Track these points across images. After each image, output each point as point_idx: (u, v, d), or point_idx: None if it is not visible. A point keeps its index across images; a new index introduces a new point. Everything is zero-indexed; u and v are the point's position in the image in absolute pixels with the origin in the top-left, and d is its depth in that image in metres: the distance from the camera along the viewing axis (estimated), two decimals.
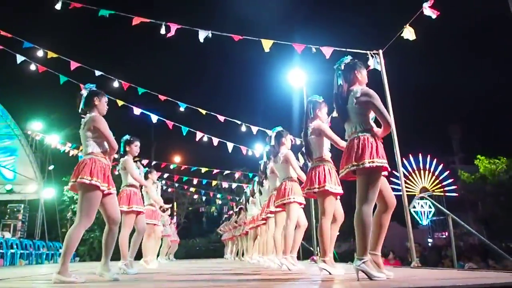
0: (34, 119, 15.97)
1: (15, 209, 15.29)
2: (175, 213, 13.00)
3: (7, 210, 15.34)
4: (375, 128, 3.15)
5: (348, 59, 3.40)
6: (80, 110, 3.82)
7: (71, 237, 3.39)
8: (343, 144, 4.00)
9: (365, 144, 3.01)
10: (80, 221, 3.45)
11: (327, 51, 5.97)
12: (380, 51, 6.17)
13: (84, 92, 3.87)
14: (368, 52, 6.04)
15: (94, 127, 3.68)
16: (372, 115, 3.17)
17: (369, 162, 2.93)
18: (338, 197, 4.16)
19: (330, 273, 3.68)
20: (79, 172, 3.53)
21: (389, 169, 3.06)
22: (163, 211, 9.28)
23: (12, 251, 11.34)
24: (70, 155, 15.04)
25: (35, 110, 18.38)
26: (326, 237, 3.91)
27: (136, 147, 5.37)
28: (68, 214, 20.03)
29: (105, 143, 3.75)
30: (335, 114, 3.77)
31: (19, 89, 22.72)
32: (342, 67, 3.34)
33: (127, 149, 5.31)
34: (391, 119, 3.15)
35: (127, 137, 5.29)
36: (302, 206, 5.07)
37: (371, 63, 5.99)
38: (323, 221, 3.94)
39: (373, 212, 3.04)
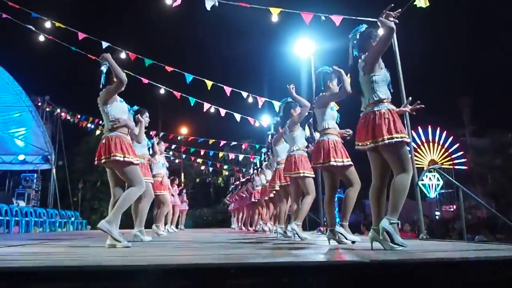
0: (44, 90, 16.06)
1: (28, 179, 15.60)
2: (182, 184, 13.11)
3: (21, 179, 15.66)
4: (390, 97, 3.08)
5: (363, 27, 3.29)
6: (100, 86, 3.92)
7: (128, 196, 3.74)
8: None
9: (382, 120, 2.96)
10: (136, 186, 3.78)
11: (337, 19, 5.81)
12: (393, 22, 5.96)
13: (104, 68, 3.94)
14: (378, 20, 5.85)
15: (106, 100, 3.84)
16: (383, 82, 3.08)
17: (388, 139, 2.90)
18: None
19: (346, 238, 3.72)
20: (110, 150, 3.73)
21: (408, 142, 3.02)
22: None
23: (27, 219, 11.62)
24: (80, 125, 15.18)
25: (45, 82, 18.44)
26: (350, 204, 3.96)
27: (146, 117, 5.39)
28: (79, 184, 20.35)
29: (124, 116, 3.92)
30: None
31: (29, 61, 22.71)
32: (358, 36, 3.24)
33: (137, 120, 5.32)
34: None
35: (136, 107, 5.28)
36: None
37: (381, 31, 5.81)
38: (350, 190, 3.97)
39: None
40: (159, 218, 7.14)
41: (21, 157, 16.09)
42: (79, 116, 15.11)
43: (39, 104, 15.31)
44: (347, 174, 3.98)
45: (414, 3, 5.64)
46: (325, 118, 4.09)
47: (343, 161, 3.95)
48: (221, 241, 4.88)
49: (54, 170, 16.40)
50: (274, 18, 6.31)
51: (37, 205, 15.05)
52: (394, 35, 5.96)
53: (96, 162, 3.90)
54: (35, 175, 15.92)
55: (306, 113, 4.98)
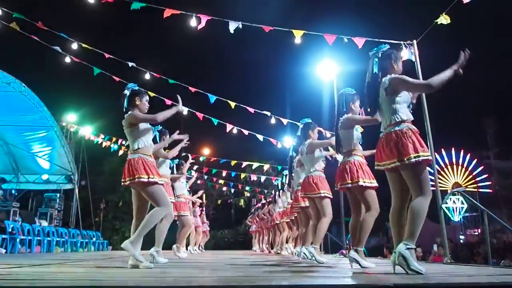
0: (69, 110, 16.44)
1: (51, 198, 15.82)
2: (204, 204, 13.10)
3: (44, 199, 15.89)
4: (411, 118, 3.07)
5: (386, 47, 3.31)
6: (124, 110, 4.05)
7: (152, 216, 3.80)
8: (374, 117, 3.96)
9: (406, 139, 2.94)
10: (161, 206, 3.84)
11: (359, 41, 5.85)
12: (415, 41, 6.01)
13: (127, 92, 4.09)
14: (402, 42, 5.90)
15: (131, 123, 3.94)
16: (405, 103, 3.08)
17: (415, 157, 2.87)
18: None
19: (360, 264, 3.65)
20: (134, 172, 3.82)
21: (431, 160, 2.99)
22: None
23: (49, 238, 11.74)
24: (103, 146, 15.43)
25: (69, 102, 18.93)
26: (367, 229, 3.88)
27: (168, 138, 5.53)
28: (101, 204, 20.58)
29: (148, 138, 4.03)
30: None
31: (54, 81, 23.38)
32: (380, 55, 3.26)
33: (163, 138, 5.46)
34: (427, 81, 3.03)
35: (159, 127, 5.40)
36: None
37: (405, 53, 5.85)
38: (367, 215, 3.92)
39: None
40: (181, 239, 7.15)
41: (44, 177, 16.35)
42: (102, 137, 15.38)
43: (64, 124, 15.66)
44: (368, 196, 3.93)
45: (436, 20, 5.65)
46: (350, 140, 4.08)
47: (371, 182, 3.93)
48: (241, 263, 4.84)
49: (76, 190, 16.61)
50: (297, 40, 6.40)
51: (59, 224, 15.19)
52: (417, 56, 6.02)
53: (122, 184, 3.98)
54: (58, 194, 16.10)
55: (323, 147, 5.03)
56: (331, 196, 4.96)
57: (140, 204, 4.04)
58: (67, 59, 8.32)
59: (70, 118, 16.20)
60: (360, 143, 4.19)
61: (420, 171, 2.92)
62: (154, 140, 4.49)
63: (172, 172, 6.39)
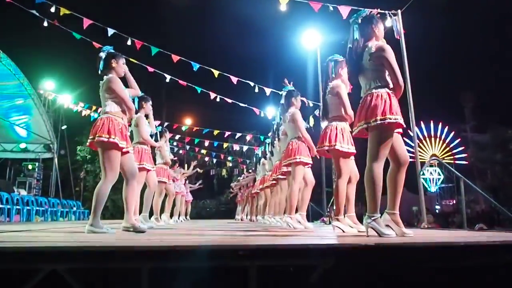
0: (47, 78, 15.98)
1: (30, 167, 15.62)
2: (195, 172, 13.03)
3: (22, 168, 15.69)
4: (391, 85, 3.08)
5: (366, 12, 3.29)
6: (99, 72, 3.92)
7: (99, 192, 3.63)
8: (350, 113, 4.01)
9: (378, 101, 2.94)
10: (106, 176, 3.66)
11: (345, 10, 5.83)
12: (399, 11, 6.01)
13: (102, 55, 3.94)
14: (387, 12, 5.88)
15: (110, 88, 3.81)
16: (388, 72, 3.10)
17: (381, 119, 2.88)
18: (352, 156, 4.16)
19: (343, 231, 3.75)
20: (97, 130, 3.68)
21: (404, 126, 3.00)
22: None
23: (28, 207, 11.64)
24: (83, 115, 15.13)
25: (48, 69, 18.37)
26: (341, 196, 3.93)
27: (150, 105, 5.45)
28: (81, 173, 20.42)
29: (122, 103, 3.88)
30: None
31: (32, 47, 22.62)
32: (359, 21, 3.26)
33: (143, 106, 5.36)
34: (401, 79, 3.04)
35: (142, 94, 5.30)
36: (309, 166, 5.10)
37: (390, 23, 5.85)
38: (339, 181, 3.95)
39: (386, 170, 3.04)
40: (157, 207, 7.12)
41: (22, 146, 16.04)
42: (82, 105, 15.06)
43: (42, 92, 15.26)
44: (341, 162, 3.97)
45: None
46: (336, 106, 4.11)
47: (348, 148, 3.98)
48: (226, 229, 4.93)
49: (56, 159, 16.40)
50: (283, 7, 6.33)
51: (38, 194, 15.09)
52: (401, 26, 6.02)
53: (87, 144, 3.88)
54: (37, 163, 15.92)
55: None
56: (309, 162, 5.01)
57: (123, 164, 3.88)
58: (45, 24, 8.00)
59: (48, 85, 15.76)
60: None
61: (384, 136, 2.92)
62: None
63: (156, 140, 6.32)
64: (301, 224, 4.83)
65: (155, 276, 1.88)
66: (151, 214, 6.23)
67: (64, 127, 16.91)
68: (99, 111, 14.74)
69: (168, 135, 7.13)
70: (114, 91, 3.80)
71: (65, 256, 1.89)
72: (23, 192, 13.81)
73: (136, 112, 5.34)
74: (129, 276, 1.91)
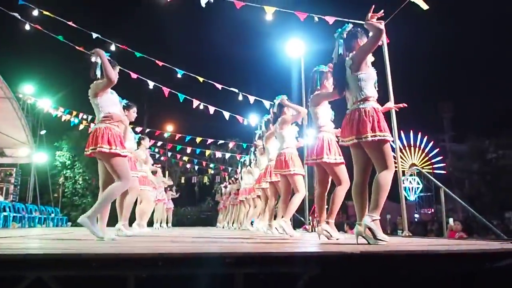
0: (26, 81, 15.70)
1: (7, 173, 15.25)
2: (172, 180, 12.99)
3: None
4: (376, 95, 3.17)
5: (349, 27, 3.37)
6: (96, 77, 3.90)
7: (112, 191, 3.73)
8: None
9: (367, 118, 3.03)
10: (121, 181, 3.75)
11: (330, 20, 5.90)
12: (383, 23, 6.07)
13: (99, 61, 3.92)
14: (365, 23, 5.93)
15: (95, 93, 3.83)
16: (371, 80, 3.17)
17: (371, 136, 2.98)
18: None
19: (331, 235, 3.79)
20: (97, 141, 3.72)
21: (391, 140, 3.10)
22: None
23: (5, 214, 11.39)
24: (63, 120, 14.89)
25: (27, 73, 18.04)
26: (338, 203, 4.02)
27: (134, 112, 5.42)
28: (60, 179, 20.03)
29: (114, 108, 3.94)
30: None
31: (11, 50, 22.19)
32: (344, 36, 3.32)
33: (126, 113, 5.30)
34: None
35: (125, 101, 5.26)
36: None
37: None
38: (339, 188, 4.04)
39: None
40: (139, 214, 7.05)
41: None
42: (62, 110, 14.83)
43: (21, 96, 14.97)
44: (337, 172, 4.06)
45: (413, 0, 5.67)
46: (319, 116, 4.16)
47: (335, 158, 4.03)
48: (210, 236, 4.91)
49: (34, 165, 16.08)
50: (269, 16, 6.39)
51: (15, 200, 14.73)
52: (384, 35, 6.12)
53: (85, 153, 3.90)
54: (14, 169, 15.57)
55: (300, 118, 5.06)
56: (303, 173, 5.05)
57: (105, 177, 3.96)
58: (27, 27, 7.87)
59: (28, 89, 15.48)
60: (332, 119, 4.27)
61: (381, 147, 3.03)
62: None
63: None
64: (283, 230, 4.83)
65: (142, 284, 1.86)
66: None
67: (43, 132, 16.61)
68: (80, 116, 14.64)
69: (147, 142, 7.03)
70: (97, 90, 3.84)
71: (51, 264, 1.86)
72: (0, 198, 13.47)
73: None
74: (115, 284, 1.90)
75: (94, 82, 3.90)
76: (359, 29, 3.40)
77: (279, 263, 2.00)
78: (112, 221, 4.92)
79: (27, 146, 15.77)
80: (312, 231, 8.00)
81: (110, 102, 3.96)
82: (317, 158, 4.04)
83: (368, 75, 3.18)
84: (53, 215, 15.17)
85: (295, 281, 1.92)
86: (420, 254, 2.11)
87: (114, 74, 3.88)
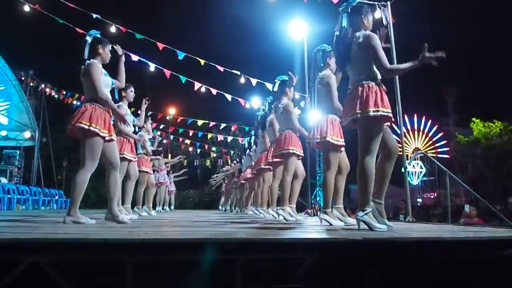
0: (29, 64, 15.65)
1: (11, 155, 15.30)
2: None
3: (3, 156, 15.36)
4: (380, 76, 3.06)
5: (355, 1, 3.25)
6: (85, 57, 3.80)
7: (78, 181, 3.54)
8: (337, 105, 3.97)
9: (370, 92, 2.92)
10: (85, 165, 3.57)
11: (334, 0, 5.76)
12: (388, 3, 5.97)
13: (88, 39, 3.83)
14: (376, 3, 5.84)
15: (88, 72, 3.69)
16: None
17: (373, 111, 2.85)
18: (343, 148, 4.15)
19: (331, 224, 3.74)
20: (78, 117, 3.57)
21: (393, 120, 3.00)
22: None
23: (9, 196, 11.45)
24: (65, 102, 14.85)
25: (29, 56, 17.93)
26: (330, 189, 3.91)
27: (131, 92, 5.34)
28: (63, 161, 20.07)
29: (105, 90, 3.77)
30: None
31: (13, 33, 22.00)
32: (349, 10, 3.21)
33: (123, 94, 5.23)
34: (389, 66, 3.01)
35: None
36: (300, 158, 5.07)
37: (379, 14, 5.81)
38: (327, 174, 3.94)
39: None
40: (138, 198, 7.01)
41: (3, 133, 15.75)
42: (64, 93, 14.76)
43: (23, 78, 14.93)
44: (331, 155, 3.95)
45: None
46: (325, 97, 4.06)
47: (338, 140, 3.96)
48: (211, 220, 4.88)
49: (37, 147, 16.11)
50: None
51: (20, 182, 14.81)
52: (390, 17, 5.99)
53: (67, 131, 3.75)
54: (18, 151, 15.62)
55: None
56: (301, 155, 4.98)
57: (105, 154, 3.80)
58: (26, 8, 7.75)
59: (30, 72, 15.41)
60: None
61: (376, 129, 2.91)
62: (112, 94, 4.23)
63: (135, 131, 6.19)
64: (291, 216, 4.80)
65: (140, 269, 1.83)
66: (133, 205, 6.15)
67: (46, 114, 16.59)
68: (82, 99, 14.53)
69: (149, 125, 6.95)
70: (90, 77, 3.68)
71: (47, 248, 1.82)
72: (4, 180, 13.54)
73: (117, 102, 5.22)
74: (113, 269, 1.86)
75: (91, 61, 3.76)
76: (365, 5, 3.29)
77: (280, 249, 1.97)
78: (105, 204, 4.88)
79: (30, 128, 15.79)
80: (314, 215, 7.98)
81: (103, 84, 3.82)
82: (321, 138, 3.96)
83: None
84: (57, 197, 15.26)
85: (296, 267, 1.89)
86: (425, 241, 2.06)
87: (102, 93, 3.76)
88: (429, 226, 4.03)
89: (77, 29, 7.81)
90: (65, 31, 8.15)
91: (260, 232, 2.65)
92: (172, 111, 20.48)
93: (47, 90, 15.24)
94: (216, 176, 14.80)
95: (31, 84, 15.32)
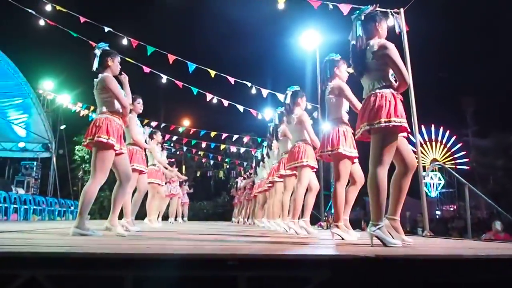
0: (46, 77, 15.90)
1: (28, 166, 15.51)
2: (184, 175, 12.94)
3: (21, 167, 15.58)
4: (395, 85, 2.93)
5: (368, 9, 3.14)
6: (94, 70, 3.84)
7: (87, 193, 3.55)
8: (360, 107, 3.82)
9: (382, 102, 2.79)
10: (94, 177, 3.59)
11: (345, 8, 5.67)
12: (402, 10, 5.86)
13: (97, 52, 3.87)
14: (388, 10, 5.71)
15: (105, 87, 3.74)
16: (392, 71, 2.96)
17: (385, 121, 2.72)
18: (356, 160, 4.00)
19: (342, 238, 3.58)
20: (96, 131, 3.62)
21: (409, 130, 2.86)
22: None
23: (26, 206, 11.56)
24: (81, 115, 15.04)
25: (47, 69, 18.25)
26: (340, 202, 3.77)
27: (139, 104, 5.32)
28: (79, 173, 20.28)
29: (117, 103, 3.81)
30: (350, 70, 3.54)
31: (30, 46, 22.50)
32: (362, 17, 3.10)
33: (131, 107, 5.19)
34: (408, 76, 2.89)
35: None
36: (315, 170, 4.94)
37: (392, 22, 5.68)
38: (337, 186, 3.79)
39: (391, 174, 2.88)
40: (150, 210, 6.98)
41: (21, 145, 16.02)
42: (80, 105, 14.97)
43: (40, 91, 15.20)
44: (341, 166, 3.81)
45: None
46: (338, 107, 3.94)
47: (350, 152, 3.82)
48: (218, 233, 4.77)
49: (54, 159, 16.32)
50: (281, 5, 6.18)
51: (36, 193, 14.99)
52: (404, 25, 5.86)
53: (82, 144, 3.85)
54: (35, 163, 15.84)
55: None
56: (315, 167, 4.84)
57: (117, 166, 3.84)
58: (41, 22, 7.86)
59: (47, 85, 15.69)
60: (347, 111, 4.05)
61: (388, 140, 2.77)
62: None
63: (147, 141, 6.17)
64: (305, 230, 4.66)
65: (139, 285, 1.74)
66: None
67: (63, 126, 16.86)
68: (97, 111, 14.65)
69: (159, 136, 6.88)
70: (110, 90, 3.74)
71: (45, 262, 1.76)
72: (21, 191, 13.70)
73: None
74: (112, 284, 1.77)
75: (105, 75, 3.80)
76: (378, 12, 3.18)
77: (286, 266, 1.85)
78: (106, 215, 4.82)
79: (47, 140, 16.02)
80: (327, 228, 7.80)
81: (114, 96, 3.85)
82: (333, 150, 3.82)
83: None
84: (72, 208, 15.38)
85: (303, 285, 1.76)
86: (444, 259, 1.91)
87: (126, 102, 3.88)
88: (447, 241, 3.84)
89: (90, 42, 7.89)
90: (80, 45, 8.26)
91: (265, 248, 2.53)
92: (186, 122, 20.58)
93: (64, 102, 15.46)
94: (236, 192, 14.71)
95: (48, 97, 15.57)
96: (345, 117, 3.99)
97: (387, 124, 2.72)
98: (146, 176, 5.62)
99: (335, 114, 3.95)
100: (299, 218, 4.79)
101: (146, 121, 12.77)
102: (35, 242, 2.73)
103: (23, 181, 14.81)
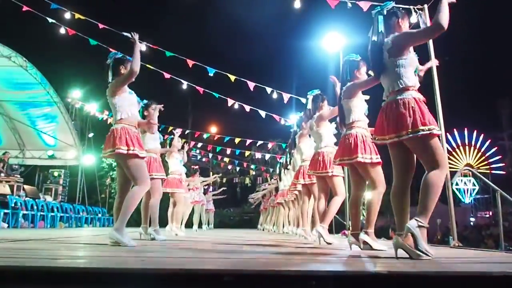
0: (74, 87, 16.28)
1: (56, 174, 15.85)
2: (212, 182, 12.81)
3: (49, 175, 15.94)
4: (417, 84, 2.71)
5: (391, 4, 2.93)
6: (110, 81, 3.79)
7: (134, 196, 3.61)
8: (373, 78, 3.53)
9: (406, 110, 2.58)
10: (139, 185, 3.64)
11: (365, 6, 5.44)
12: (426, 6, 5.58)
13: (109, 62, 3.83)
14: (412, 7, 5.45)
15: (113, 92, 3.69)
16: (411, 67, 2.72)
17: (412, 132, 2.54)
18: (340, 173, 3.78)
19: (371, 246, 3.34)
20: (114, 143, 3.59)
21: (440, 134, 2.63)
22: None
23: (53, 214, 11.74)
24: (108, 122, 15.28)
25: (74, 78, 18.68)
26: (375, 209, 3.53)
27: (153, 110, 5.17)
28: (107, 180, 20.59)
29: (132, 109, 3.77)
30: (371, 72, 3.30)
31: (58, 56, 23.13)
32: (385, 12, 2.89)
33: (145, 113, 5.07)
34: (435, 24, 2.64)
35: (144, 101, 5.04)
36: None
37: (415, 20, 5.41)
38: (374, 192, 3.55)
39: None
40: (175, 218, 6.92)
41: (49, 153, 16.39)
42: (107, 113, 15.21)
43: (69, 100, 15.57)
44: (371, 173, 3.56)
45: None
46: (353, 110, 3.70)
47: (371, 158, 3.55)
48: (236, 243, 4.60)
49: (81, 166, 16.62)
50: (297, 4, 6.02)
51: (64, 200, 15.27)
52: (428, 23, 5.55)
53: (102, 155, 3.82)
54: (63, 170, 16.17)
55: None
56: (343, 175, 4.61)
57: (123, 181, 3.80)
58: (62, 31, 7.99)
59: (75, 94, 16.05)
60: (366, 114, 3.80)
61: (426, 143, 2.56)
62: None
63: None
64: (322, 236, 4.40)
65: None
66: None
67: (91, 135, 17.19)
68: (113, 121, 14.80)
69: (177, 141, 6.70)
70: (120, 75, 3.72)
71: (33, 277, 1.68)
72: (49, 199, 13.98)
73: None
74: None
75: (109, 84, 3.76)
76: (400, 8, 2.97)
77: (286, 284, 1.67)
78: (130, 224, 4.74)
79: (75, 148, 16.35)
80: None
81: (127, 102, 3.80)
82: (351, 158, 3.58)
83: (409, 60, 2.73)
84: (100, 215, 15.58)
85: None
86: (466, 276, 1.67)
87: (138, 66, 3.68)
88: (476, 253, 3.52)
89: (110, 49, 7.93)
90: (104, 53, 8.33)
91: (265, 263, 2.33)
92: (213, 129, 20.62)
93: (91, 111, 15.78)
94: (255, 194, 14.60)
95: (76, 106, 15.92)
96: (363, 120, 3.73)
97: (415, 134, 2.55)
98: (160, 182, 5.48)
99: (350, 118, 3.70)
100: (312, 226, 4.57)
101: (170, 128, 12.79)
102: (36, 254, 2.63)
103: (51, 189, 15.11)
